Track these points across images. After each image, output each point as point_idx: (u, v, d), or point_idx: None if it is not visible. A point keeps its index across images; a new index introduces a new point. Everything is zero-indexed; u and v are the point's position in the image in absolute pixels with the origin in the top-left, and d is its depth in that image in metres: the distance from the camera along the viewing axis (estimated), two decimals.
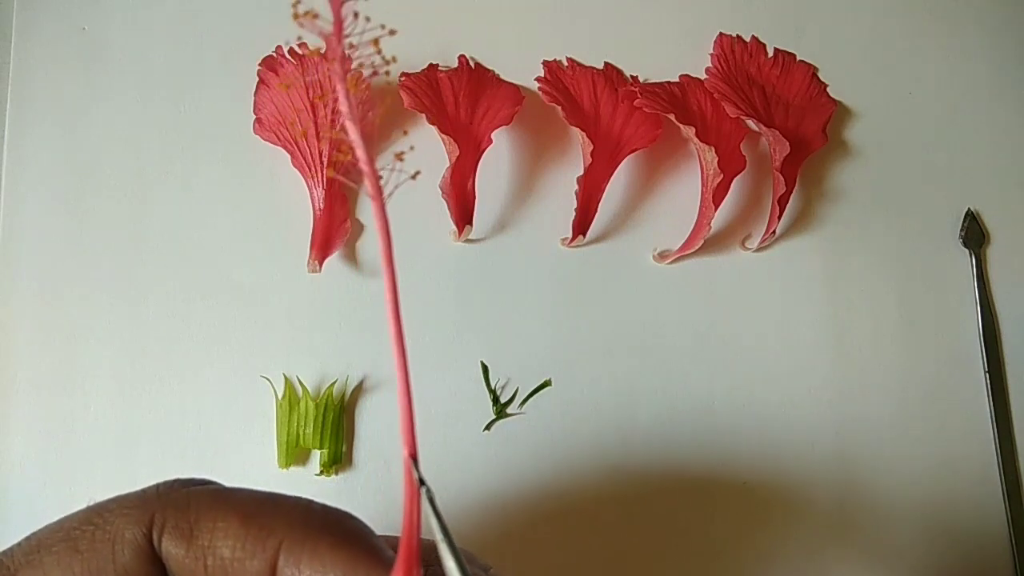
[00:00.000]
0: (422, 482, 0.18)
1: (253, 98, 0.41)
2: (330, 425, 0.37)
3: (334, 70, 0.17)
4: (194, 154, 0.41)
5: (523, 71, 0.43)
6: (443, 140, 0.39)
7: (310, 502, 0.19)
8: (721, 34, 0.45)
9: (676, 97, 0.42)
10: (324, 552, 0.18)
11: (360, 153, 0.17)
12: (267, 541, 0.18)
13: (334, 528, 0.18)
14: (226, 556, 0.17)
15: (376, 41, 0.18)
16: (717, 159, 0.40)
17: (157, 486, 0.19)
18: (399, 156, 0.19)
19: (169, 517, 0.18)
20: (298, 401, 0.38)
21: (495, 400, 0.39)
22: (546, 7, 0.45)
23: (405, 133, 0.41)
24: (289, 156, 0.40)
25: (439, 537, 0.18)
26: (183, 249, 0.40)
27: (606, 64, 0.44)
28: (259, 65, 0.41)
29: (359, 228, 0.41)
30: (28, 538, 0.18)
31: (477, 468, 0.38)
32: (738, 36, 0.45)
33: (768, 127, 0.41)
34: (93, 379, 0.38)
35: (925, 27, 0.47)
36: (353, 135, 0.17)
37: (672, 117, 0.40)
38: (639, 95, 0.41)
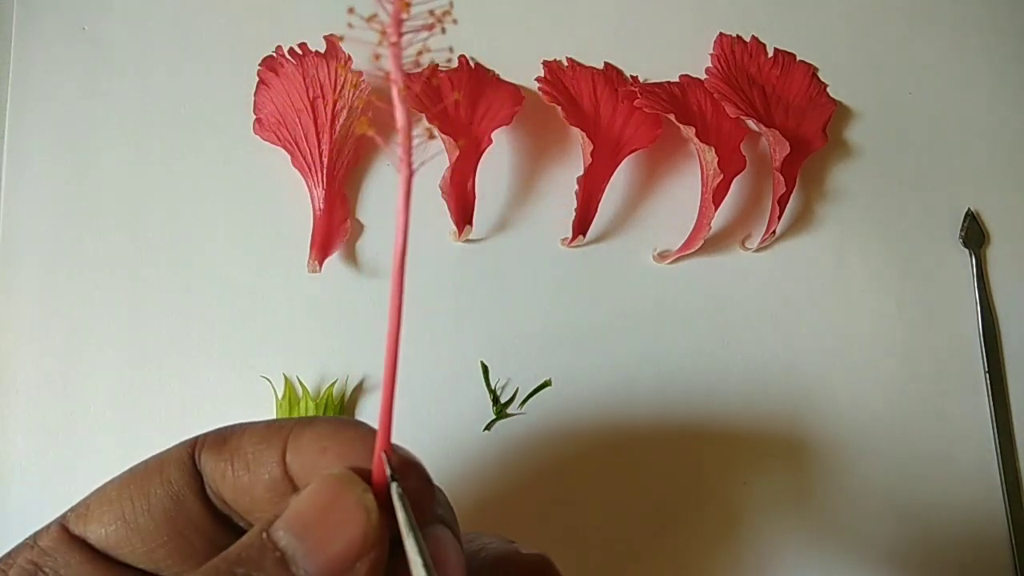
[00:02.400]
0: (393, 478, 0.18)
1: (253, 98, 0.41)
2: None
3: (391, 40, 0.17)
4: (194, 154, 0.41)
5: (523, 71, 0.43)
6: (443, 140, 0.39)
7: None
8: (721, 34, 0.45)
9: (676, 97, 0.42)
10: (323, 429, 0.20)
11: (401, 118, 0.17)
12: (280, 432, 0.20)
13: (336, 418, 0.22)
14: (248, 452, 0.20)
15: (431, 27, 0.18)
16: (717, 159, 0.40)
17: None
18: (430, 134, 0.19)
19: (210, 436, 0.21)
20: (298, 401, 0.38)
21: (495, 400, 0.39)
22: (546, 7, 0.45)
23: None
24: (289, 156, 0.40)
25: (405, 532, 0.18)
26: (183, 249, 0.40)
27: (606, 64, 0.44)
28: (259, 65, 0.41)
29: (359, 228, 0.41)
30: None
31: (477, 468, 0.38)
32: (738, 36, 0.45)
33: (768, 127, 0.41)
34: (93, 379, 0.38)
35: (925, 27, 0.47)
36: (397, 99, 0.17)
37: (672, 117, 0.40)
38: (639, 95, 0.41)
